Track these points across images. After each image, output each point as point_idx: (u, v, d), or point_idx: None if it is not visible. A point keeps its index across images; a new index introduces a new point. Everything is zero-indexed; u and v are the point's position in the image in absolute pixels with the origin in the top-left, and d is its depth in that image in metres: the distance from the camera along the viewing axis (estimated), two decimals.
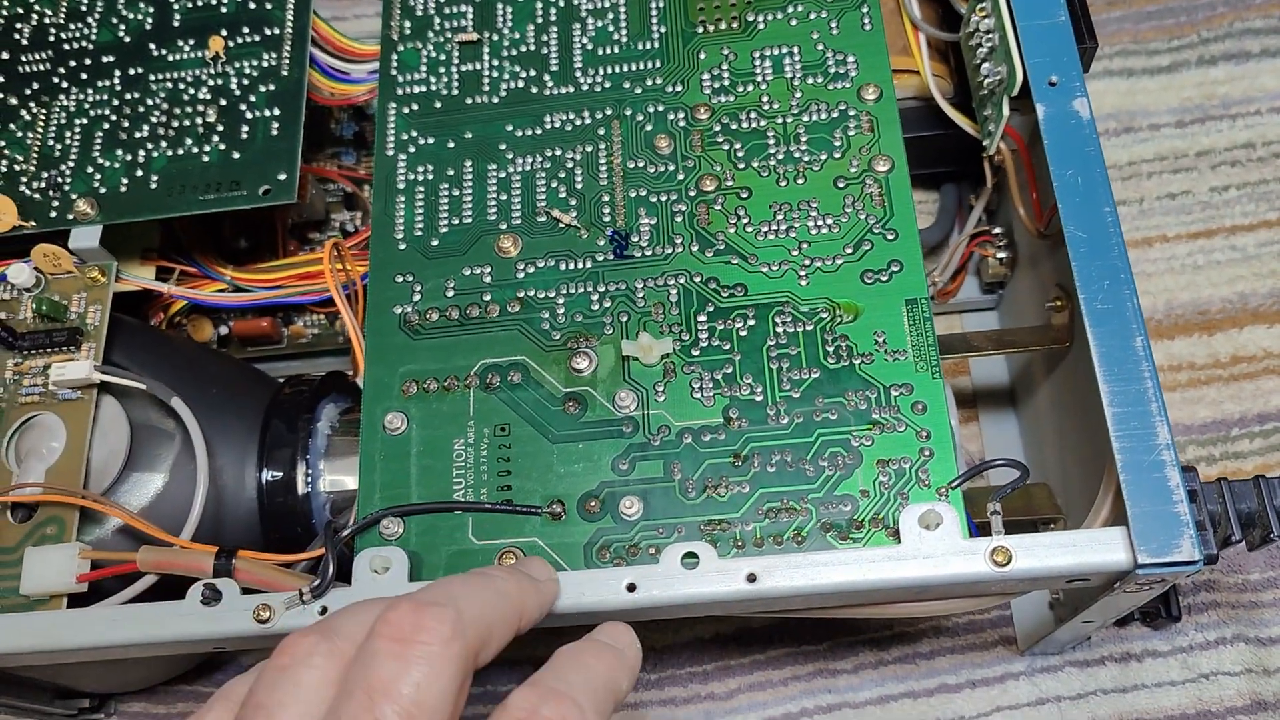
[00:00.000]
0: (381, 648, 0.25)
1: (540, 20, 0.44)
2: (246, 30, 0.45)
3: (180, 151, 0.43)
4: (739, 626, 0.50)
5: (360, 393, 0.48)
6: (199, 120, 0.44)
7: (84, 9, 0.47)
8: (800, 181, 0.40)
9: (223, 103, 0.44)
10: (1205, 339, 0.52)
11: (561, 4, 0.44)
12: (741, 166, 0.40)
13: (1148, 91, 0.57)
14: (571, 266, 0.40)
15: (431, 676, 0.25)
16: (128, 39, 0.46)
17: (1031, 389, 0.49)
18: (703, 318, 0.38)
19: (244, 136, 0.43)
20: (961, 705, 0.47)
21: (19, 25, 0.47)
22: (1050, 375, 0.46)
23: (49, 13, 0.47)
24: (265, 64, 0.45)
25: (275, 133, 0.43)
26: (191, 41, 0.45)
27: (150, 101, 0.45)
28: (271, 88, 0.44)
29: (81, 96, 0.45)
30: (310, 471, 0.43)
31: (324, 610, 0.34)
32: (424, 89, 0.44)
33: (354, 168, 0.54)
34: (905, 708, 0.47)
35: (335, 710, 0.25)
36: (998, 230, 0.50)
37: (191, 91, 0.45)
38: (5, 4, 0.47)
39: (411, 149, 0.42)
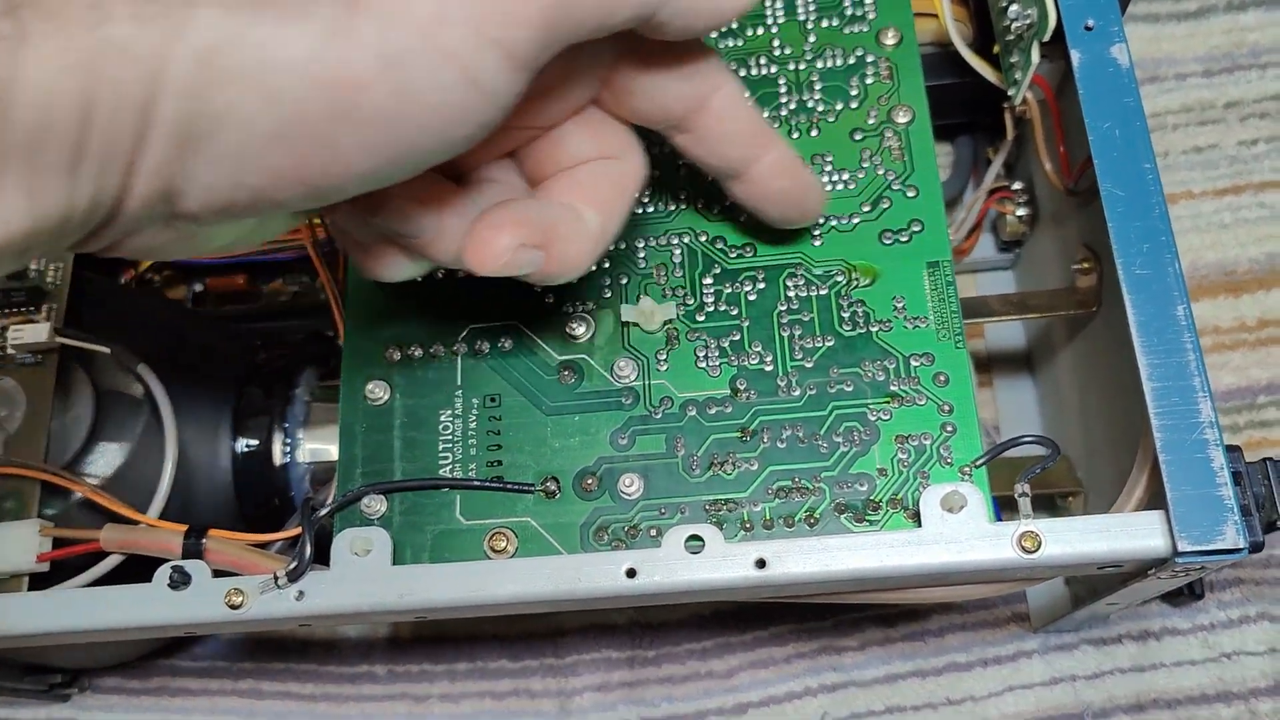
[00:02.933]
0: None
1: None
2: None
3: None
4: (740, 603, 0.47)
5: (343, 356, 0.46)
6: None
7: None
8: (814, 133, 0.37)
9: None
10: (1232, 301, 0.50)
11: None
12: None
13: (1174, 38, 0.54)
14: None
15: None
16: None
17: (1051, 354, 0.46)
18: (708, 280, 0.35)
19: None
20: (972, 684, 0.45)
21: None
22: (1073, 340, 0.43)
23: None
24: None
25: None
26: None
27: None
28: None
29: None
30: (289, 440, 0.41)
31: (300, 595, 0.32)
32: None
33: None
34: (914, 686, 0.45)
35: None
36: (1017, 185, 0.47)
37: None
38: None
39: None
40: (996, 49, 0.42)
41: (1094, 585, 0.40)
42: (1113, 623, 0.45)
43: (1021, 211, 0.47)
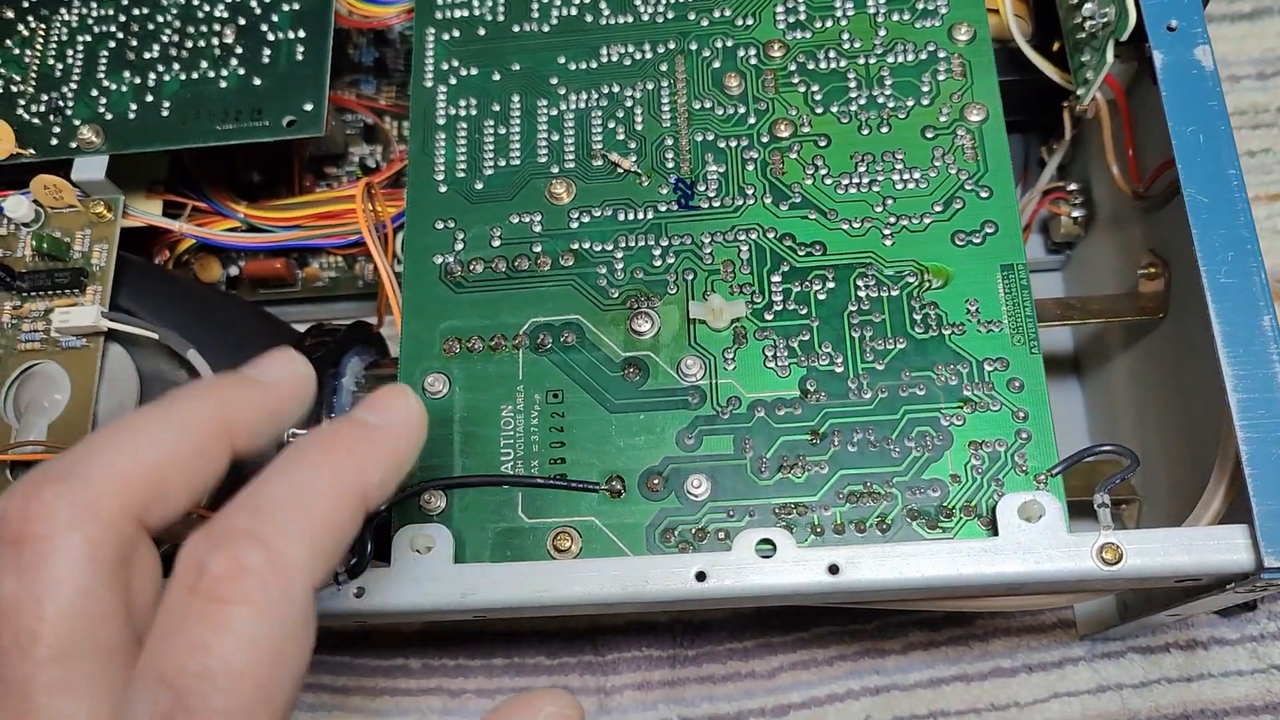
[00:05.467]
0: (184, 612, 0.20)
1: None
2: None
3: (194, 75, 0.39)
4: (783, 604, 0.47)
5: (385, 345, 0.45)
6: (215, 41, 0.40)
7: None
8: (884, 130, 0.36)
9: (241, 22, 0.40)
10: None
11: None
12: (819, 111, 0.37)
13: (1228, 39, 0.54)
14: (631, 217, 0.36)
15: (263, 643, 0.20)
16: None
17: (1104, 360, 0.46)
18: (777, 278, 0.35)
19: (265, 61, 0.39)
20: (1017, 690, 0.45)
21: None
22: (1132, 347, 0.42)
23: None
24: None
25: (300, 57, 0.39)
26: None
27: (161, 19, 0.40)
28: (295, 7, 0.40)
29: (85, 10, 0.41)
30: None
31: (360, 592, 0.31)
32: (466, 13, 0.39)
33: (374, 97, 0.50)
34: (958, 691, 0.45)
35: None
36: (1073, 187, 0.46)
37: (206, 9, 0.40)
38: None
39: (452, 80, 0.38)
40: (1057, 46, 0.41)
41: (1149, 596, 0.39)
42: (1160, 632, 0.45)
43: (1077, 213, 0.46)
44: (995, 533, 0.31)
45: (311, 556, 0.21)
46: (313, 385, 0.26)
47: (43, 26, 0.40)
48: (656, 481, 0.33)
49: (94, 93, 0.39)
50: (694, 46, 0.38)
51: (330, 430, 0.24)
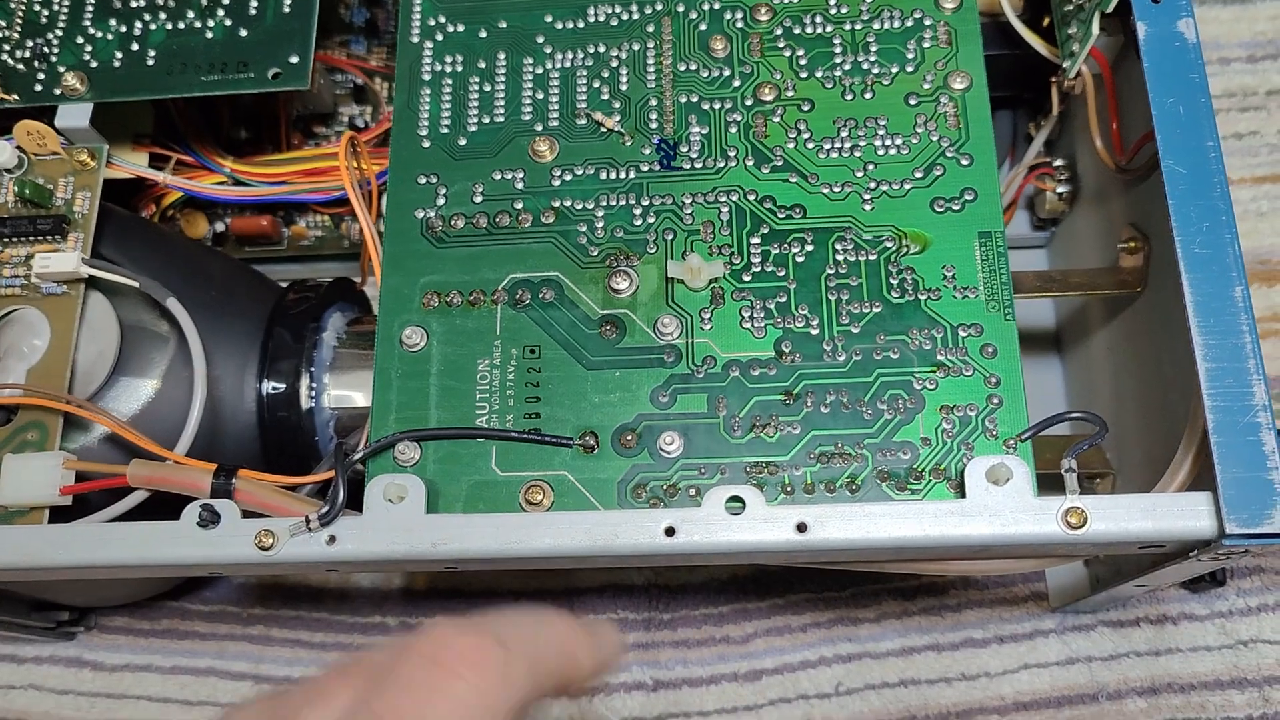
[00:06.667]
0: (413, 669, 0.21)
1: None
2: None
3: (181, 25, 0.39)
4: (758, 568, 0.47)
5: (368, 302, 0.45)
6: None
7: None
8: (868, 96, 0.36)
9: None
10: (1264, 290, 0.49)
11: None
12: (804, 76, 0.37)
13: (1219, 22, 0.54)
14: (613, 176, 0.36)
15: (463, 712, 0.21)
16: None
17: (1084, 334, 0.46)
18: (756, 240, 0.35)
19: (252, 12, 0.39)
20: (988, 660, 0.45)
21: None
22: (1111, 321, 0.43)
23: None
24: None
25: (287, 9, 0.39)
26: None
27: None
28: None
29: None
30: (314, 385, 0.40)
31: (331, 539, 0.31)
32: None
33: (365, 58, 0.50)
34: (929, 660, 0.45)
35: None
36: (1059, 162, 0.46)
37: None
38: None
39: (439, 36, 0.38)
40: (1047, 22, 0.41)
41: (1119, 567, 0.40)
42: (1131, 606, 0.45)
43: (1062, 189, 0.46)
44: (963, 495, 0.31)
45: (526, 682, 0.23)
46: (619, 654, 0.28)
47: None
48: (630, 438, 0.33)
49: (79, 40, 0.39)
50: (681, 8, 0.38)
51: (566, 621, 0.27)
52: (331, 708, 0.22)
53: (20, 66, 0.39)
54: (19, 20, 0.40)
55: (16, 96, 0.39)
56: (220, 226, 0.50)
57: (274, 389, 0.40)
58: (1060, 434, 0.38)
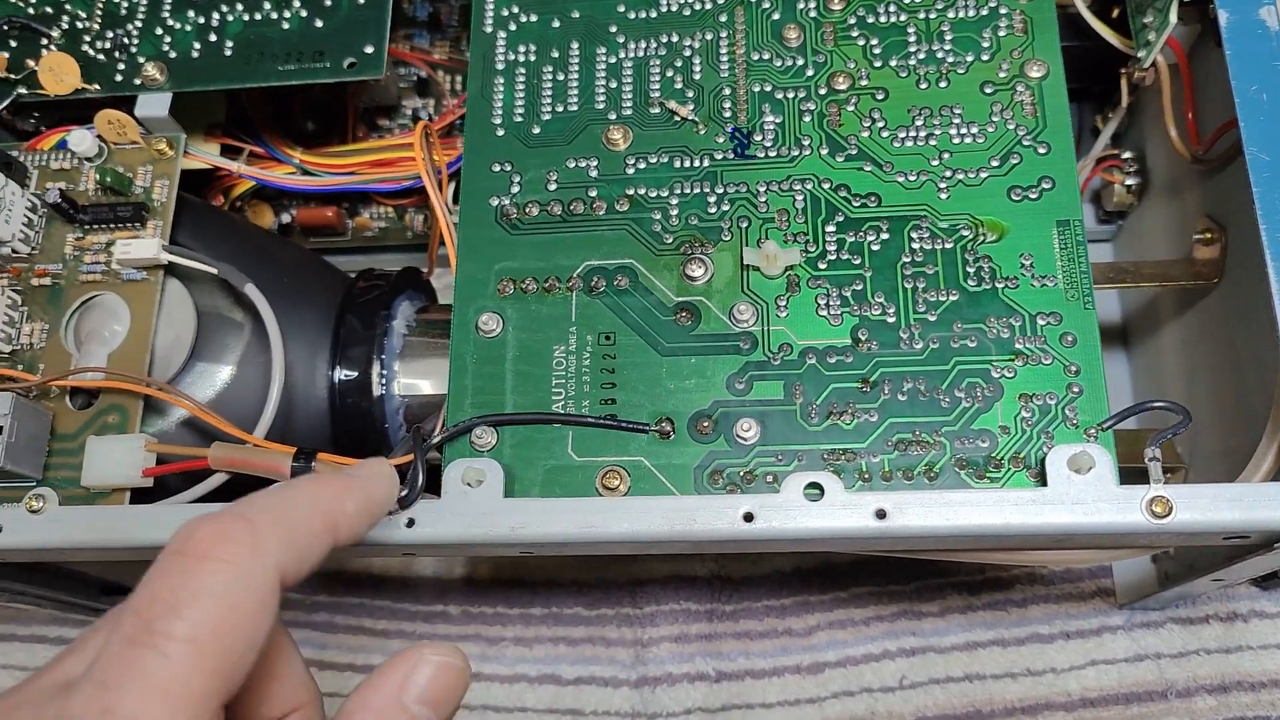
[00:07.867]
0: (166, 565, 0.21)
1: None
2: None
3: (258, 16, 0.40)
4: (821, 560, 0.47)
5: (434, 292, 0.45)
6: None
7: None
8: (943, 85, 0.36)
9: None
10: None
11: None
12: (878, 65, 0.37)
13: None
14: (687, 164, 0.36)
15: (228, 596, 0.21)
16: None
17: (1153, 327, 0.46)
18: (831, 228, 0.35)
19: (328, 3, 0.40)
20: (1054, 656, 0.45)
21: None
22: (1183, 313, 0.42)
23: None
24: None
25: (362, 0, 0.40)
26: None
27: None
28: None
29: None
30: (385, 373, 0.40)
31: (411, 523, 0.32)
32: None
33: (428, 51, 0.51)
34: (994, 655, 0.45)
35: (105, 647, 0.21)
36: (1127, 155, 0.46)
37: None
38: None
39: (512, 26, 0.39)
40: (1116, 13, 0.41)
41: (1192, 562, 0.39)
42: (1200, 603, 0.45)
43: (1130, 181, 0.46)
44: (1044, 484, 0.31)
45: (283, 547, 0.23)
46: (396, 484, 0.29)
47: None
48: (706, 424, 0.33)
49: (158, 31, 0.40)
50: None
51: (317, 472, 0.27)
52: (93, 641, 0.23)
53: (101, 57, 0.40)
54: (99, 11, 0.40)
55: (98, 86, 0.39)
56: (286, 218, 0.51)
57: (346, 376, 0.40)
58: (1130, 428, 0.38)
